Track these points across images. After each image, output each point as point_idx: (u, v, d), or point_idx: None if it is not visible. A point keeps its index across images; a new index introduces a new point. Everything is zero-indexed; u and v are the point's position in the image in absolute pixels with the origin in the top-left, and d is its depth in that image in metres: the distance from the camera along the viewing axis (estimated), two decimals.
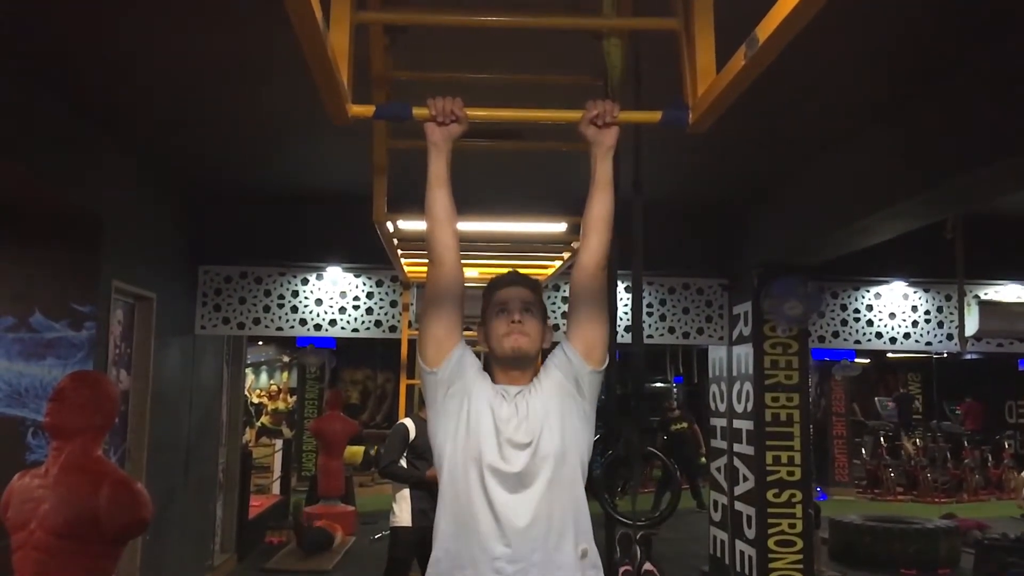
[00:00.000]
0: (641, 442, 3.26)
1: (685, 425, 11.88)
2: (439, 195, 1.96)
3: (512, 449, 1.94)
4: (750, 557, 6.31)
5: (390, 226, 3.86)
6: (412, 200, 2.81)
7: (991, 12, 3.31)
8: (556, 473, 1.94)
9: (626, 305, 6.69)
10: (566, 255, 4.54)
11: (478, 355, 2.24)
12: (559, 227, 4.30)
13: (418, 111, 1.91)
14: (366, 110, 1.91)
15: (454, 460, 1.98)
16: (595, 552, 1.99)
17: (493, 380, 2.05)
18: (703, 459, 10.06)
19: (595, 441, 2.10)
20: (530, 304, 2.06)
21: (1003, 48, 3.50)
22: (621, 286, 6.59)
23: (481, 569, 1.89)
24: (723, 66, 1.69)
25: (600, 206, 1.99)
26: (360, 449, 10.82)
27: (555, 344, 2.12)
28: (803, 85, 3.98)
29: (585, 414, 2.03)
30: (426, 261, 2.04)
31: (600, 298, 2.04)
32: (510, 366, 2.05)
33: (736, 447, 6.65)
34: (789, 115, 4.49)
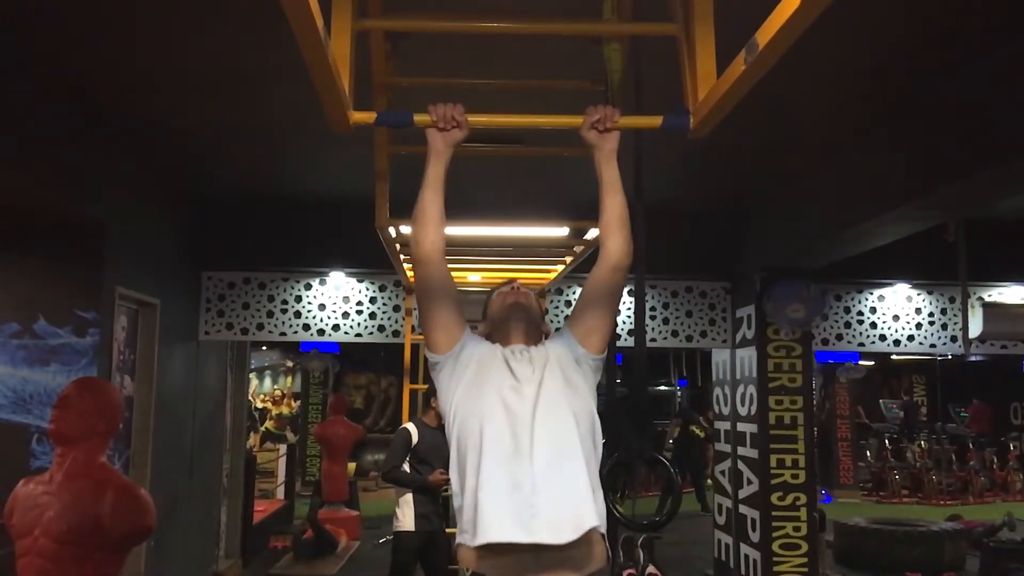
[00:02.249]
0: (641, 446, 3.26)
1: (702, 434, 11.90)
2: (435, 197, 2.00)
3: (524, 374, 2.03)
4: (755, 561, 6.30)
5: (392, 231, 3.86)
6: (414, 205, 2.81)
7: (990, 18, 3.31)
8: (566, 400, 2.00)
9: (629, 309, 6.68)
10: (568, 259, 4.54)
11: None
12: (561, 232, 4.30)
13: (419, 118, 1.92)
14: (367, 117, 1.91)
15: (465, 404, 2.03)
16: (602, 502, 2.01)
17: None
18: (708, 481, 10.13)
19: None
20: (528, 292, 2.25)
21: (1003, 52, 3.50)
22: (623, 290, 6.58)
23: (500, 490, 1.90)
24: (723, 71, 1.69)
25: (611, 208, 2.03)
26: (353, 464, 10.87)
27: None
28: (804, 89, 3.98)
29: (589, 386, 2.10)
30: None
31: (608, 295, 2.11)
32: (511, 325, 2.15)
33: (740, 450, 6.64)
34: (791, 119, 4.49)
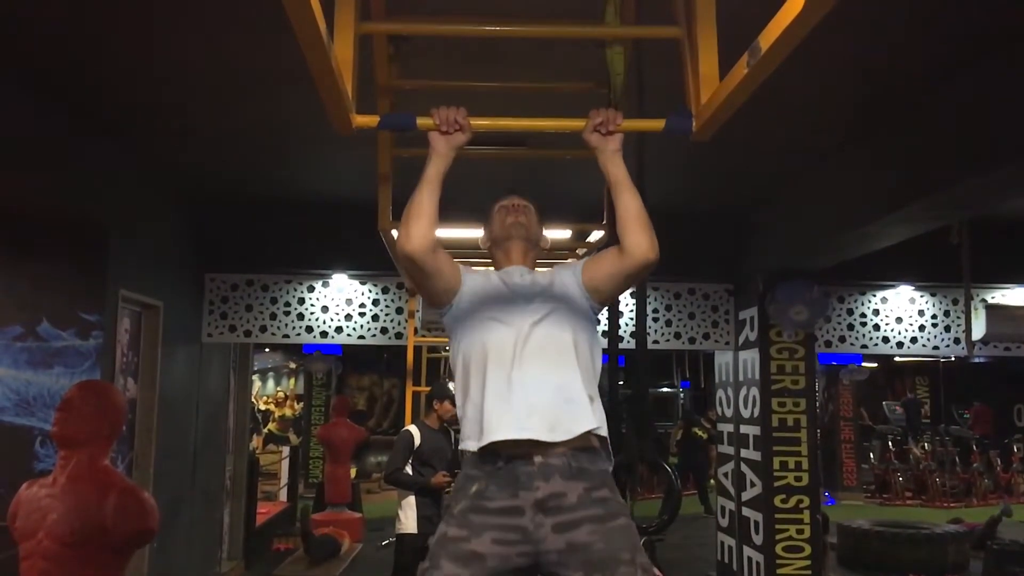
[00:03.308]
0: (642, 447, 3.26)
1: (705, 436, 11.90)
2: (432, 194, 1.99)
3: (524, 292, 2.10)
4: (758, 563, 6.29)
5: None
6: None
7: (990, 19, 3.30)
8: (566, 316, 2.06)
9: (631, 310, 6.68)
10: (571, 262, 4.54)
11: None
12: (564, 234, 4.30)
13: (422, 121, 1.92)
14: (370, 120, 1.91)
15: (469, 328, 2.06)
16: (600, 409, 2.03)
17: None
18: (711, 483, 10.12)
19: None
20: (528, 204, 2.29)
21: (1003, 54, 3.49)
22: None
23: (501, 394, 1.95)
24: (726, 74, 1.69)
25: (623, 206, 2.02)
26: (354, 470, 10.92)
27: None
28: (805, 91, 3.98)
29: (588, 316, 2.14)
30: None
31: (623, 281, 2.11)
32: (511, 244, 2.21)
33: (743, 452, 6.63)
34: (794, 121, 4.48)
